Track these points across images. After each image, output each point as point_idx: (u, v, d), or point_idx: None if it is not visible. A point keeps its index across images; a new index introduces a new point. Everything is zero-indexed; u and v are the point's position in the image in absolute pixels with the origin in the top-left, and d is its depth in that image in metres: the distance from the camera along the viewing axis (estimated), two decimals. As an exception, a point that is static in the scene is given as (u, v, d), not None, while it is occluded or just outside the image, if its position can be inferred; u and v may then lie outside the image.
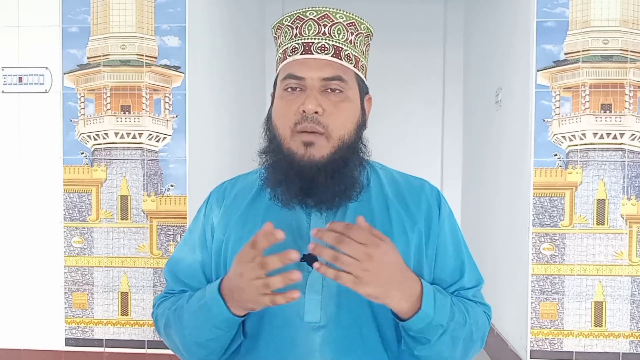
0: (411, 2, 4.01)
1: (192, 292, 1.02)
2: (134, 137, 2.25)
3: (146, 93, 2.24)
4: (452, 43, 4.02)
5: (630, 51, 2.13)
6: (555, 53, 2.17)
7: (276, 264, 0.83)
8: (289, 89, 1.00)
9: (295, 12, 1.02)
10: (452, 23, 4.03)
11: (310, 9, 1.01)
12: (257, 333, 0.99)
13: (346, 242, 0.83)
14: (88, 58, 2.26)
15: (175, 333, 1.01)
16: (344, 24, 1.01)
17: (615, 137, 2.16)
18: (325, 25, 1.00)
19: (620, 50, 2.14)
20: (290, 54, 1.01)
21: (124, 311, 2.27)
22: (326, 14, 1.01)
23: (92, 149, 2.27)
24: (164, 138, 2.24)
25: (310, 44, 0.99)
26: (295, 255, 0.82)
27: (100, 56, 2.25)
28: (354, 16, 1.03)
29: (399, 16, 4.00)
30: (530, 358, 2.20)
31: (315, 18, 1.00)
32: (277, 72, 1.06)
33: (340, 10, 1.02)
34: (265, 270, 0.84)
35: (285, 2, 3.92)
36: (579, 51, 2.16)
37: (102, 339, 2.28)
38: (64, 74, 2.27)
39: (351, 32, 1.02)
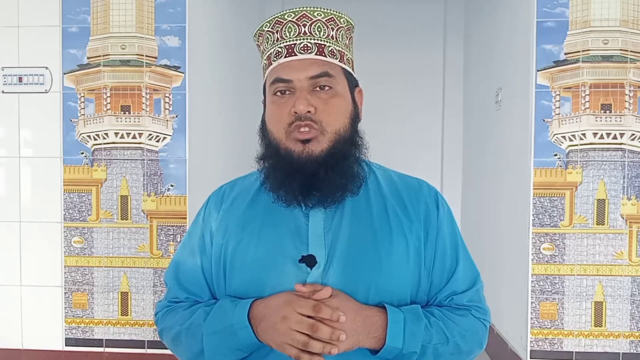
0: (411, 2, 4.01)
1: (204, 308, 1.01)
2: (134, 137, 2.25)
3: (146, 93, 2.24)
4: (452, 43, 4.02)
5: (630, 51, 2.13)
6: (555, 53, 2.17)
7: (326, 336, 0.88)
8: (279, 93, 1.00)
9: (273, 16, 1.03)
10: (452, 23, 4.02)
11: (288, 11, 1.02)
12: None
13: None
14: (88, 58, 2.26)
15: (187, 349, 1.01)
16: (323, 20, 1.01)
17: (615, 137, 2.15)
18: (304, 25, 1.00)
19: (620, 50, 2.14)
20: (275, 59, 1.01)
21: (124, 311, 2.27)
22: (304, 13, 1.01)
23: (92, 149, 2.27)
24: (164, 138, 2.24)
25: (293, 45, 1.00)
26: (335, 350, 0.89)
27: (100, 56, 2.25)
28: (332, 11, 1.03)
29: (399, 16, 3.99)
30: (530, 358, 2.20)
31: (294, 19, 1.01)
32: (265, 78, 1.06)
33: (317, 7, 1.02)
34: (312, 333, 0.88)
35: (285, 2, 3.91)
36: (579, 51, 2.16)
37: (102, 339, 2.28)
38: (64, 74, 2.27)
39: (331, 28, 1.02)
